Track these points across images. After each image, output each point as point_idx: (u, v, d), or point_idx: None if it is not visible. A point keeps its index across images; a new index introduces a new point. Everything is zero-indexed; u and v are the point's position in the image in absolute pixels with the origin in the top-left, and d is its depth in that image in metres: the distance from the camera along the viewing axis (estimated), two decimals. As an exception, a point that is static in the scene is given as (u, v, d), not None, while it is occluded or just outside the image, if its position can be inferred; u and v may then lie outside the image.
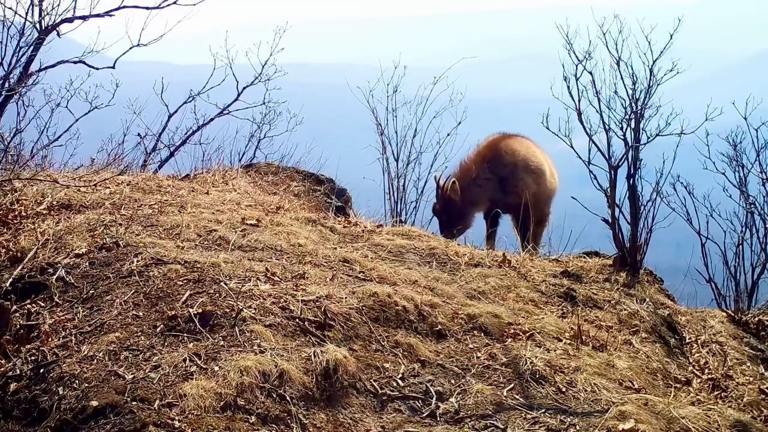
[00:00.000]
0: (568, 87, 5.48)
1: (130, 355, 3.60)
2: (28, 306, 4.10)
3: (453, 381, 3.79)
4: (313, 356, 3.65)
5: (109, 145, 8.03)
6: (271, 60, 8.92)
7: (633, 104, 5.43)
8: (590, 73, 5.48)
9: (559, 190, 7.16)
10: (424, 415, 3.56)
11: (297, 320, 3.92)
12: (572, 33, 5.57)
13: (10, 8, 6.51)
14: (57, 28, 6.61)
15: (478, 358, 4.00)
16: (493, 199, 6.72)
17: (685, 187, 6.01)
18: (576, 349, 4.21)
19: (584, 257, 5.80)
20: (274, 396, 3.41)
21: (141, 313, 3.91)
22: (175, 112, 8.84)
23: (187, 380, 3.40)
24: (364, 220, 6.57)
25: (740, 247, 6.17)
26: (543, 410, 3.63)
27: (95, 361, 3.57)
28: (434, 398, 3.64)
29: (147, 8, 6.93)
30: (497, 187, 6.70)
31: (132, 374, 3.45)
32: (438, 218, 6.79)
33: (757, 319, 5.57)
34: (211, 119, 8.85)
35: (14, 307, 4.04)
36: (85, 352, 3.64)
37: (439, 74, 8.29)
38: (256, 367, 3.47)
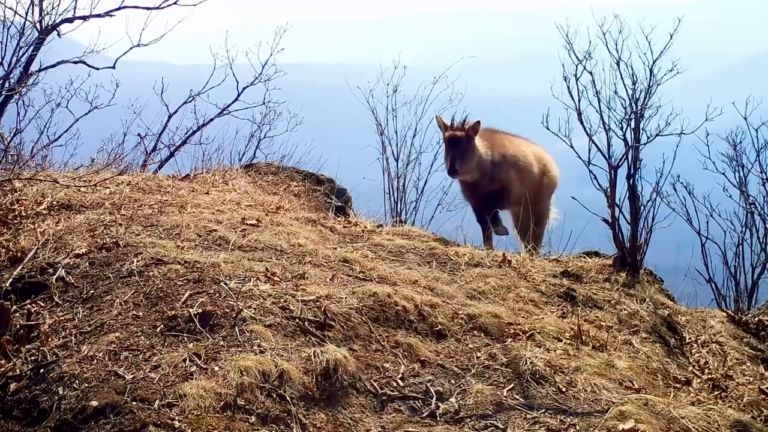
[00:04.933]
0: (568, 87, 5.48)
1: (130, 355, 3.60)
2: (28, 306, 4.10)
3: (453, 381, 3.78)
4: (313, 356, 3.65)
5: (109, 145, 8.04)
6: (271, 60, 8.94)
7: (633, 104, 5.43)
8: (590, 73, 5.48)
9: (558, 187, 7.05)
10: (424, 415, 3.56)
11: (297, 320, 3.92)
12: (572, 33, 5.57)
13: (10, 8, 6.53)
14: (57, 28, 6.62)
15: (478, 358, 4.00)
16: (481, 179, 6.43)
17: (685, 187, 6.01)
18: (576, 349, 4.21)
19: (584, 257, 5.80)
20: (274, 396, 3.41)
21: (141, 313, 3.91)
22: (175, 112, 8.85)
23: (187, 380, 3.40)
24: (364, 220, 6.57)
25: (740, 247, 6.17)
26: (543, 410, 3.63)
27: (95, 361, 3.58)
28: (434, 398, 3.64)
29: (147, 8, 6.95)
30: (488, 169, 6.47)
31: (132, 374, 3.45)
32: (450, 147, 6.30)
33: (757, 319, 5.56)
34: (211, 119, 8.86)
35: (14, 307, 4.04)
36: (85, 352, 3.64)
37: (439, 74, 8.29)
38: (256, 367, 3.47)
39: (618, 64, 5.47)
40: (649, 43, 5.44)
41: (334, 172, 7.50)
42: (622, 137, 5.43)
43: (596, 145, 5.47)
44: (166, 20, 7.19)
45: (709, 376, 4.65)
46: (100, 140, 8.14)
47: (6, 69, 6.33)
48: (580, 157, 5.51)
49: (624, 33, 5.45)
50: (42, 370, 3.58)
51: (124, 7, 6.90)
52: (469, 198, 6.73)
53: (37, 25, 6.54)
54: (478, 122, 6.32)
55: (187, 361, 3.52)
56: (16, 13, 6.47)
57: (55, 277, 4.32)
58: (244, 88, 8.97)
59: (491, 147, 6.52)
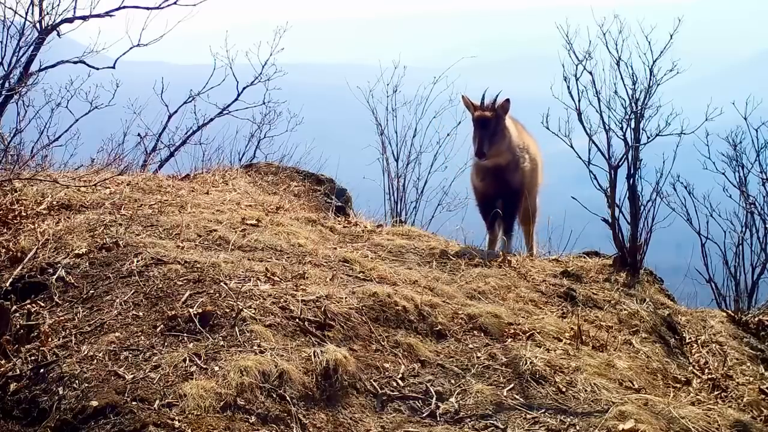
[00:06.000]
0: (568, 87, 5.48)
1: (130, 355, 3.59)
2: (28, 306, 4.10)
3: (453, 381, 3.78)
4: (313, 356, 3.65)
5: (109, 145, 8.07)
6: (271, 60, 8.98)
7: (633, 104, 5.43)
8: (590, 73, 5.48)
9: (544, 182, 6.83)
10: (424, 415, 3.56)
11: (297, 320, 3.92)
12: (572, 33, 5.57)
13: (10, 8, 6.54)
14: (57, 28, 6.63)
15: (478, 358, 4.00)
16: (510, 162, 5.94)
17: (685, 187, 6.01)
18: (576, 349, 4.21)
19: (584, 257, 5.80)
20: (274, 396, 3.41)
21: (141, 313, 3.91)
22: (175, 112, 8.87)
23: (187, 380, 3.40)
24: (364, 220, 6.58)
25: (740, 247, 6.17)
26: (543, 410, 3.62)
27: (95, 361, 3.57)
28: (434, 398, 3.64)
29: (147, 8, 6.97)
30: (517, 152, 5.99)
31: (132, 374, 3.45)
32: (479, 128, 5.79)
33: (757, 319, 5.57)
34: (211, 119, 8.88)
35: (14, 307, 4.03)
36: (85, 352, 3.64)
37: (439, 74, 8.30)
38: (256, 367, 3.47)
39: (618, 64, 5.47)
40: (649, 43, 5.45)
41: (334, 172, 7.52)
42: (622, 137, 5.43)
43: (596, 145, 5.47)
44: (166, 20, 7.20)
45: (709, 376, 4.64)
46: (100, 140, 8.16)
47: (6, 69, 6.34)
48: (580, 157, 5.51)
49: (624, 33, 5.46)
50: (42, 370, 3.58)
51: (124, 7, 6.92)
52: (484, 189, 6.07)
53: (37, 25, 6.55)
54: (508, 100, 5.85)
55: (187, 361, 3.52)
56: (16, 13, 6.49)
57: (55, 277, 4.32)
58: (244, 88, 8.99)
59: (518, 130, 6.10)
